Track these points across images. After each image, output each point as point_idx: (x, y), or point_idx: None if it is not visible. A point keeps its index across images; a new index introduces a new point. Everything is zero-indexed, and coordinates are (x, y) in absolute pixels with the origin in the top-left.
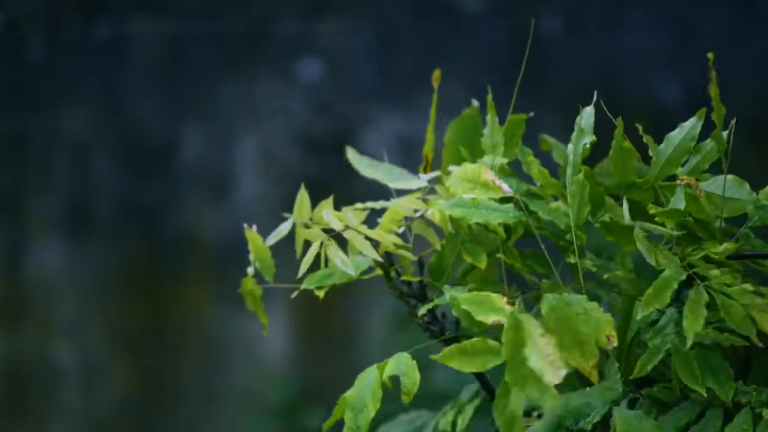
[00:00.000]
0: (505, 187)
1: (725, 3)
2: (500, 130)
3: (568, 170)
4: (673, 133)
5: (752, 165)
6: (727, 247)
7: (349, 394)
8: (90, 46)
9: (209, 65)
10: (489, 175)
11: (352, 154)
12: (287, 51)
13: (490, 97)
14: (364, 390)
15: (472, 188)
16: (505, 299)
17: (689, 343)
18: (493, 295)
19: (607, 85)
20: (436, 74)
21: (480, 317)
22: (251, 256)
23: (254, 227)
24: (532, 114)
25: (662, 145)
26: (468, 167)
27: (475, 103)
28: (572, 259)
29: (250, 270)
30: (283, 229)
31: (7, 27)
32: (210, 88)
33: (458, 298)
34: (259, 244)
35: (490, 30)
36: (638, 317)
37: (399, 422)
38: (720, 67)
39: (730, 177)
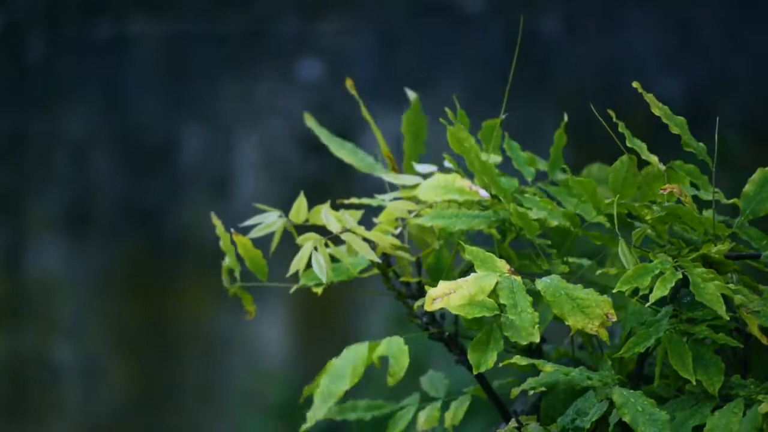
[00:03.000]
0: (482, 192)
1: (725, 3)
2: (469, 137)
3: (503, 198)
4: (616, 166)
5: (752, 165)
6: (720, 247)
7: (333, 360)
8: (90, 46)
9: (209, 65)
10: (464, 182)
11: (315, 126)
12: (287, 51)
13: (456, 108)
14: (347, 361)
15: (445, 194)
16: (508, 266)
17: (648, 304)
18: (497, 258)
19: (606, 85)
20: (349, 82)
21: (481, 270)
22: (221, 244)
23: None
24: (506, 115)
25: (611, 176)
26: (441, 177)
27: (413, 94)
28: (544, 265)
29: (227, 261)
30: (268, 224)
31: (7, 27)
32: (210, 88)
33: (464, 247)
34: (248, 247)
35: (490, 30)
36: (614, 290)
37: (355, 406)
38: (720, 67)
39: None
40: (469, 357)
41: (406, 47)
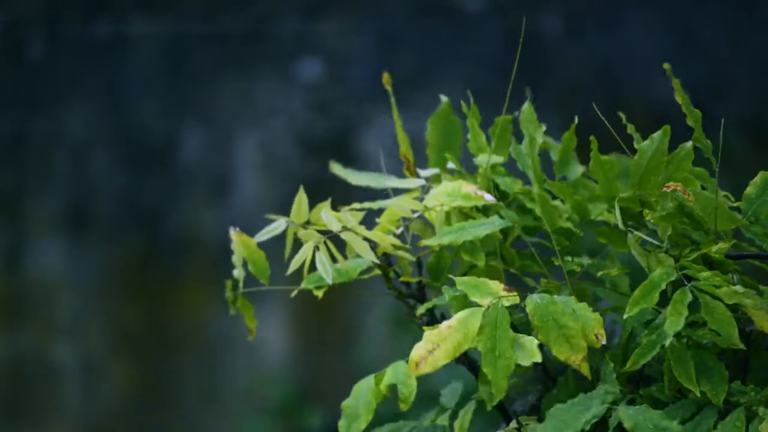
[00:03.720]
0: (488, 196)
1: (725, 3)
2: (481, 134)
3: (534, 184)
4: (644, 145)
5: (752, 165)
6: (720, 246)
7: (345, 402)
8: (90, 46)
9: (209, 65)
10: (469, 188)
11: (338, 168)
12: (287, 51)
13: (468, 103)
14: (359, 399)
15: (452, 201)
16: (502, 285)
17: (667, 342)
18: (490, 281)
19: (606, 84)
20: (386, 77)
21: (475, 298)
22: (234, 258)
23: (237, 229)
24: (518, 114)
25: (636, 158)
26: (447, 185)
27: (444, 98)
28: (556, 261)
29: (236, 272)
30: (275, 227)
31: (7, 27)
32: (210, 88)
33: (455, 280)
34: (252, 247)
35: (490, 30)
36: (625, 317)
37: None
38: (720, 67)
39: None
40: (480, 390)
41: (406, 47)
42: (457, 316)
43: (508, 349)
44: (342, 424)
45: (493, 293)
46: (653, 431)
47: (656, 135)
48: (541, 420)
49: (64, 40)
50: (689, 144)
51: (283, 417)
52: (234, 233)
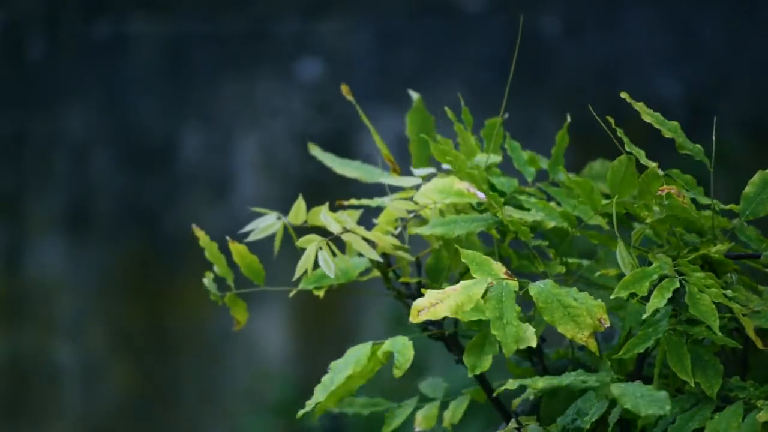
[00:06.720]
0: (480, 194)
1: (725, 3)
2: (470, 137)
3: (489, 200)
4: (614, 165)
5: (752, 165)
6: (719, 247)
7: (335, 362)
8: (90, 46)
9: (209, 65)
10: (462, 185)
11: (319, 153)
12: (287, 51)
13: (459, 109)
14: (349, 357)
15: (444, 197)
16: (504, 269)
17: (646, 315)
18: (494, 261)
19: (606, 84)
20: (345, 89)
21: (477, 275)
22: (207, 254)
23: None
24: (507, 115)
25: (609, 176)
26: (440, 181)
27: (415, 95)
28: (540, 267)
29: (215, 270)
30: (266, 226)
31: (7, 27)
32: (210, 88)
33: (459, 251)
34: (244, 253)
35: (490, 30)
36: (612, 297)
37: (353, 402)
38: (720, 67)
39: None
40: (464, 360)
41: (406, 47)
42: (462, 283)
43: (515, 318)
44: (326, 377)
45: (494, 274)
46: (641, 398)
47: (622, 159)
48: (540, 420)
49: (64, 40)
50: (654, 164)
51: (283, 416)
52: (230, 243)
